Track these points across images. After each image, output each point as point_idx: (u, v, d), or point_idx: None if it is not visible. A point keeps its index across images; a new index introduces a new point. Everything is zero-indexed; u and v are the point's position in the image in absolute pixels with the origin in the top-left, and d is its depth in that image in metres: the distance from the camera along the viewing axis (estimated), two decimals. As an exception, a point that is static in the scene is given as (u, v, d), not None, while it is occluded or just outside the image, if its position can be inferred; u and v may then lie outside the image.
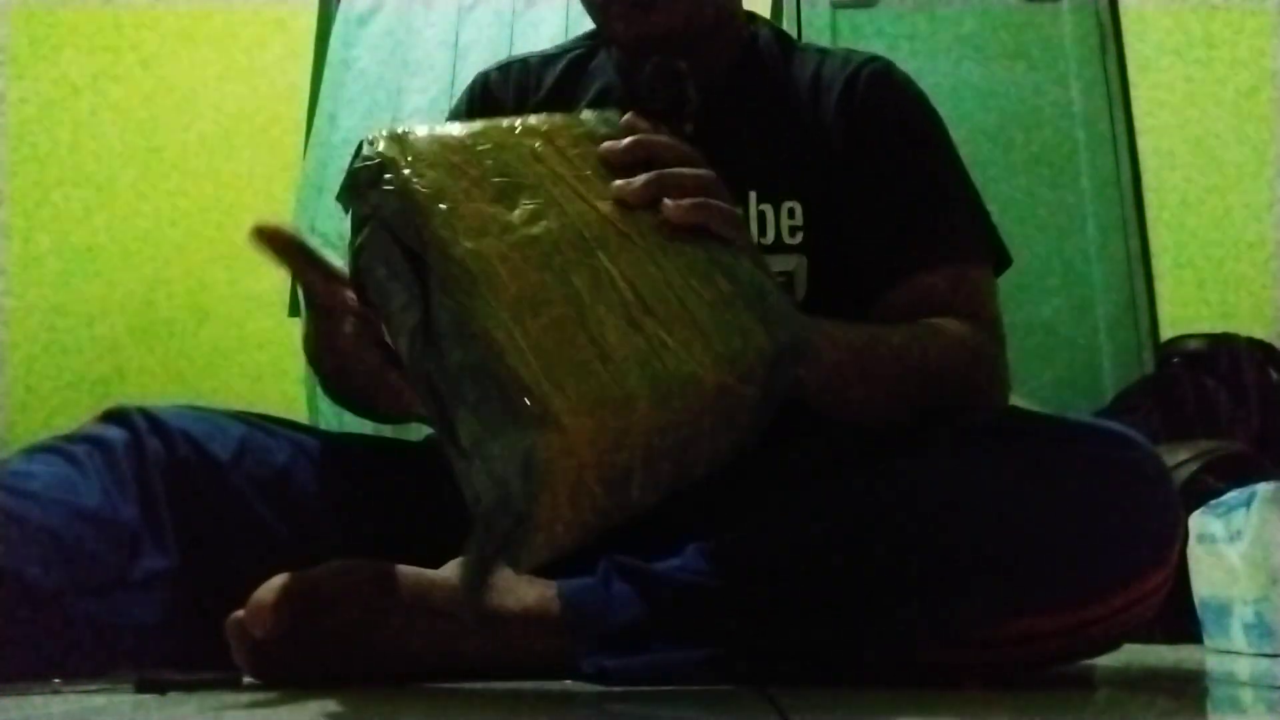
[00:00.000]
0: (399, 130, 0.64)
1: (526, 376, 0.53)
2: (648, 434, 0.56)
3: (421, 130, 0.65)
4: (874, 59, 0.99)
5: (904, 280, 0.89)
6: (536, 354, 0.54)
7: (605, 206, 0.64)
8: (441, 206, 0.59)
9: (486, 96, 1.02)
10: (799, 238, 0.91)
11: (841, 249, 0.90)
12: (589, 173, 0.65)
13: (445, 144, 0.64)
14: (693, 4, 0.92)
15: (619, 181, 0.65)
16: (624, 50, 0.98)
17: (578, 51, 1.04)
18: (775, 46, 1.01)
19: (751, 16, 1.04)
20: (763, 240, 0.90)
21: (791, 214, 0.91)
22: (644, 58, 0.89)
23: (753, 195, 0.91)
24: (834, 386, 0.76)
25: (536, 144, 0.66)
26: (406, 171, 0.61)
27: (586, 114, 0.71)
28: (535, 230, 0.60)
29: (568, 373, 0.54)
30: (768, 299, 0.63)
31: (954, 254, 0.90)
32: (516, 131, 0.67)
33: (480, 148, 0.64)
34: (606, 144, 0.67)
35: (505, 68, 1.05)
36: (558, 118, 0.69)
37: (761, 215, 0.91)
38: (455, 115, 1.03)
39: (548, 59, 1.04)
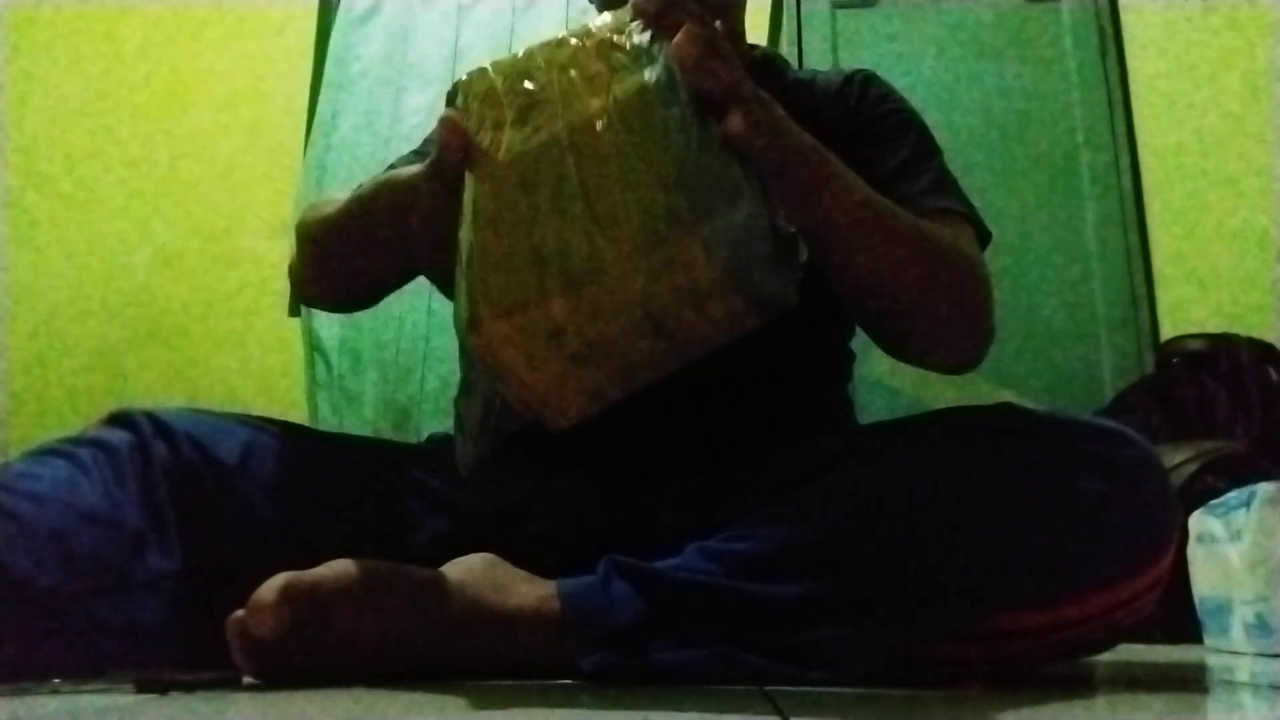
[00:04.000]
0: (488, 63, 0.74)
1: (471, 286, 0.62)
2: (576, 321, 0.61)
3: (493, 63, 0.73)
4: (863, 70, 1.07)
5: None
6: (483, 265, 0.62)
7: (597, 103, 0.66)
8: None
9: None
10: None
11: None
12: (601, 66, 0.68)
13: (507, 70, 0.71)
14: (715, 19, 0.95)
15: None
16: None
17: None
18: (774, 65, 1.08)
19: (752, 46, 1.11)
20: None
21: None
22: None
23: None
24: (800, 179, 0.75)
25: (573, 48, 0.70)
26: (459, 104, 0.71)
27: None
28: (525, 147, 0.66)
29: (500, 281, 0.61)
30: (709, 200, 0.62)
31: (942, 205, 0.93)
32: (567, 41, 0.71)
33: (530, 65, 0.71)
34: None
35: None
36: (610, 16, 0.72)
37: None
38: None
39: None
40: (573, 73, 0.68)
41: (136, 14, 2.66)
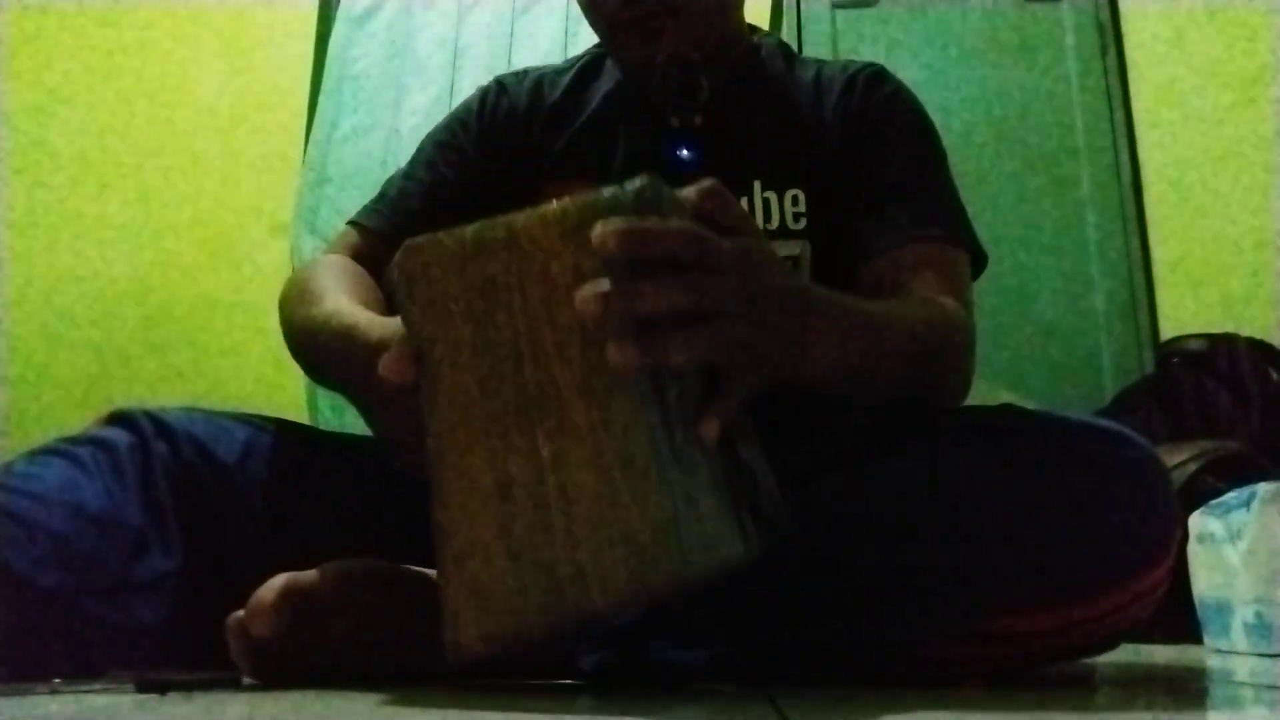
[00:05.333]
0: (417, 242, 0.62)
1: (446, 600, 0.59)
2: (561, 629, 0.59)
3: (437, 245, 0.61)
4: (870, 65, 1.03)
5: (885, 253, 0.90)
6: (457, 572, 0.59)
7: (568, 373, 0.58)
8: (429, 380, 0.61)
9: (500, 97, 1.03)
10: (802, 224, 0.93)
11: (842, 233, 0.93)
12: (567, 312, 0.57)
13: (448, 267, 0.60)
14: (701, 29, 0.95)
15: (583, 293, 0.56)
16: (634, 70, 0.99)
17: (586, 59, 1.07)
18: (778, 56, 1.05)
19: (754, 29, 1.08)
20: (768, 226, 0.93)
21: (795, 201, 0.94)
22: (652, 75, 0.93)
23: (757, 184, 0.94)
24: (833, 368, 0.72)
25: (529, 251, 0.59)
26: (414, 310, 0.61)
27: (604, 192, 0.59)
28: (494, 403, 0.59)
29: (475, 605, 0.58)
30: (699, 520, 0.58)
31: (934, 233, 0.92)
32: (520, 242, 0.59)
33: (475, 271, 0.60)
34: (599, 232, 0.56)
35: (521, 74, 1.06)
36: (557, 208, 0.59)
37: (766, 202, 0.94)
38: (465, 118, 1.03)
39: (560, 70, 1.07)
40: (536, 297, 0.58)
41: (136, 14, 2.65)
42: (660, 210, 0.59)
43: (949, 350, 0.84)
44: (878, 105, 0.99)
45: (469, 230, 0.61)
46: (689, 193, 0.61)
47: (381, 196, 1.00)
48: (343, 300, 0.82)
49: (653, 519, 0.56)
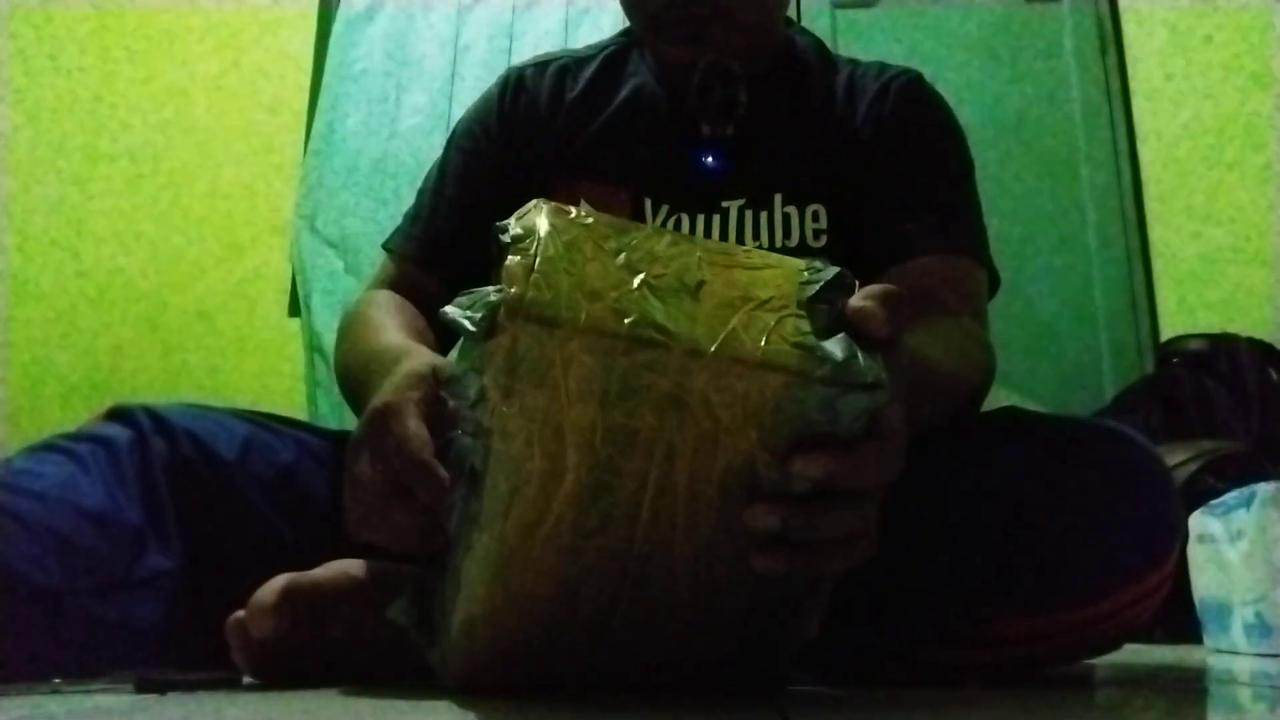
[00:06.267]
0: (540, 308, 0.48)
1: (456, 634, 0.57)
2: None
3: (575, 335, 0.48)
4: (906, 71, 1.00)
5: (903, 261, 0.88)
6: (478, 630, 0.56)
7: (685, 537, 0.52)
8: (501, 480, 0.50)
9: (519, 93, 1.01)
10: (823, 240, 0.91)
11: (861, 247, 0.91)
12: (724, 472, 0.50)
13: (581, 383, 0.48)
14: (747, 36, 0.92)
15: (758, 511, 0.51)
16: (668, 69, 0.97)
17: (612, 49, 1.04)
18: (812, 55, 1.02)
19: (789, 22, 1.04)
20: (787, 242, 0.91)
21: (816, 217, 0.92)
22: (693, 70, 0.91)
23: (779, 198, 0.93)
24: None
25: (692, 422, 0.49)
26: (508, 407, 0.48)
27: (818, 390, 0.50)
28: (585, 542, 0.52)
29: (503, 653, 0.57)
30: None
31: (952, 244, 0.90)
32: (687, 397, 0.49)
33: (620, 410, 0.49)
34: (806, 462, 0.50)
35: (542, 65, 1.03)
36: (756, 391, 0.49)
37: (787, 217, 0.92)
38: (486, 120, 1.01)
39: (582, 59, 1.03)
40: (685, 466, 0.50)
41: (136, 14, 2.66)
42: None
43: (985, 387, 0.84)
44: (909, 116, 0.96)
45: (628, 361, 0.48)
46: (871, 307, 0.53)
47: (414, 217, 0.99)
48: (401, 336, 0.82)
49: (713, 660, 0.59)
